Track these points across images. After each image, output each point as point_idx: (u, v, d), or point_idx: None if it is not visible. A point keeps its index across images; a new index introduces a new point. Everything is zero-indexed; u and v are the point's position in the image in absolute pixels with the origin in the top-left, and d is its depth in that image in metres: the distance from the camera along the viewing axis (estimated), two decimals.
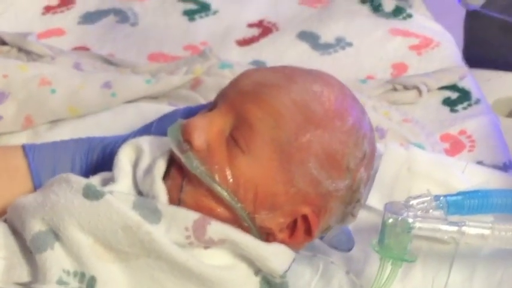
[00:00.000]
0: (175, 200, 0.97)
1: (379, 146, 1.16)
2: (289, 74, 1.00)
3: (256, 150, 0.96)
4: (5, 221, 1.01)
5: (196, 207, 0.96)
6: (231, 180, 0.96)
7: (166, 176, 0.99)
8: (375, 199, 1.17)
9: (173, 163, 0.99)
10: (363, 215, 1.07)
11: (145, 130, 1.12)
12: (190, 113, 1.10)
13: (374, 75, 1.58)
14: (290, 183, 0.96)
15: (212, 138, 0.97)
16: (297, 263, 1.05)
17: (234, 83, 1.01)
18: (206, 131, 0.97)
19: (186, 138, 0.97)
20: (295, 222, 0.99)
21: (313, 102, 0.98)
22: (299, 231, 0.99)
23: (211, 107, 1.01)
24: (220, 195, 0.95)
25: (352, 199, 1.01)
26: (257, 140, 0.96)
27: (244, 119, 0.97)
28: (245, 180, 0.96)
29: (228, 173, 0.96)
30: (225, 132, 0.98)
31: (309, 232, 0.99)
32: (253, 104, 0.97)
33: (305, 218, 0.98)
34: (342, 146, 0.97)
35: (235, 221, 0.96)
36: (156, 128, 1.12)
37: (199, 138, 0.96)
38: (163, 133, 1.06)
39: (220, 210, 0.96)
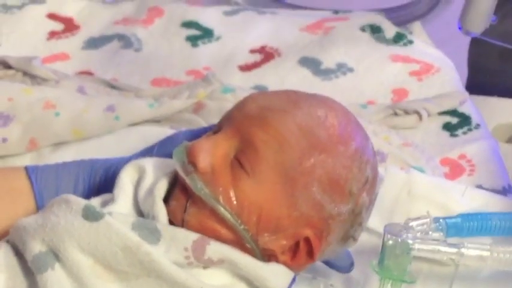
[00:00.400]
0: (179, 220, 0.97)
1: (380, 169, 1.17)
2: (294, 98, 1.01)
3: (260, 173, 0.97)
4: (8, 241, 1.01)
5: (200, 228, 0.96)
6: (235, 202, 0.96)
7: (170, 197, 0.99)
8: (375, 221, 1.16)
9: (177, 184, 0.99)
10: (363, 238, 1.07)
11: (147, 152, 1.13)
12: (192, 135, 1.11)
13: (375, 100, 1.59)
14: (293, 206, 0.97)
15: (217, 160, 0.98)
16: (297, 284, 1.06)
17: (240, 107, 1.02)
18: (211, 153, 0.98)
19: (191, 160, 0.97)
20: (297, 244, 0.99)
21: (317, 128, 0.99)
22: (301, 253, 0.99)
23: (216, 129, 1.02)
24: (224, 217, 0.96)
25: (354, 223, 1.01)
26: (261, 163, 0.97)
27: (249, 143, 0.98)
28: (249, 203, 0.96)
29: (232, 195, 0.96)
30: (229, 155, 0.98)
31: (310, 254, 1.00)
32: (259, 128, 0.98)
33: (307, 240, 0.99)
34: (345, 171, 0.98)
35: (238, 242, 0.97)
36: (158, 150, 1.13)
37: (204, 161, 0.97)
38: (165, 155, 1.08)
39: (223, 231, 0.96)
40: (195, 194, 0.96)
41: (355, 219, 1.01)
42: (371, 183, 1.02)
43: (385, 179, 1.25)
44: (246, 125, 0.99)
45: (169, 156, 1.02)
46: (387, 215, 1.20)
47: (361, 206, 1.01)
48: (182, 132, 1.16)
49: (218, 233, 0.96)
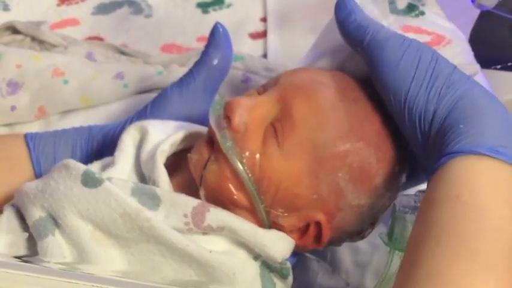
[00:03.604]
0: (199, 176, 0.96)
1: None
2: (352, 83, 0.99)
3: (290, 147, 0.95)
4: (13, 205, 1.01)
5: (216, 187, 0.95)
6: (258, 169, 0.94)
7: (192, 150, 0.98)
8: None
9: (203, 138, 0.98)
10: None
11: (141, 115, 1.13)
12: (180, 88, 1.12)
13: None
14: (314, 188, 0.95)
15: (252, 121, 0.95)
16: (304, 253, 1.05)
17: (290, 74, 1.00)
18: (249, 112, 0.96)
19: (227, 115, 0.95)
20: (307, 226, 0.98)
21: (364, 116, 0.96)
22: (309, 236, 0.98)
23: (260, 90, 1.00)
24: (243, 181, 0.94)
25: (369, 220, 1.00)
26: (294, 137, 0.95)
27: (289, 113, 0.95)
28: (271, 173, 0.94)
29: (257, 161, 0.94)
30: (266, 120, 0.96)
31: (318, 240, 0.98)
32: (302, 100, 0.96)
33: (318, 225, 0.97)
34: (378, 165, 0.96)
35: (250, 210, 0.96)
36: (151, 110, 1.13)
37: (240, 118, 0.95)
38: (158, 114, 1.09)
39: (239, 196, 0.95)
40: (220, 152, 0.95)
41: (371, 217, 0.99)
42: (397, 184, 1.00)
43: None
44: (291, 94, 0.96)
45: (164, 113, 1.03)
46: None
47: (382, 205, 0.99)
48: (169, 89, 1.15)
49: (233, 196, 0.95)
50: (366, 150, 0.95)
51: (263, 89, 1.00)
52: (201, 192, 0.96)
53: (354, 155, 0.95)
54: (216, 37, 1.13)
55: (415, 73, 0.93)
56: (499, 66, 1.75)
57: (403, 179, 1.01)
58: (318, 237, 0.98)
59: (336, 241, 1.02)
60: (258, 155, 0.94)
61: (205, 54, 1.13)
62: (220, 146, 0.94)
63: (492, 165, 0.84)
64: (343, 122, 0.95)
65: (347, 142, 0.95)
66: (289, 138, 0.95)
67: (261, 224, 0.97)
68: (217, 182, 0.95)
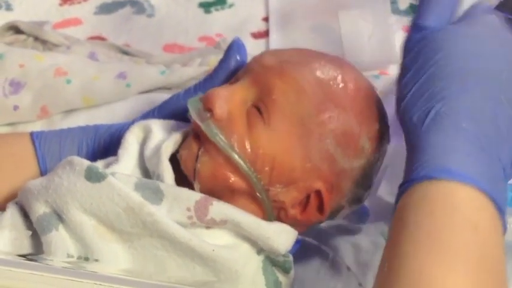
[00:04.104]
0: (191, 170, 0.97)
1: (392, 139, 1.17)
2: (311, 54, 1.03)
3: (276, 123, 0.97)
4: (17, 203, 1.02)
5: (211, 177, 0.96)
6: (249, 150, 0.96)
7: (181, 147, 0.99)
8: (386, 191, 1.17)
9: (189, 134, 0.99)
10: (373, 206, 1.07)
11: (148, 116, 1.13)
12: (190, 96, 1.10)
13: (387, 71, 1.58)
14: (307, 158, 0.97)
15: (234, 107, 0.98)
16: (306, 249, 1.06)
17: (258, 60, 1.03)
18: (228, 100, 0.98)
19: (207, 107, 0.97)
20: (308, 198, 1.00)
21: (334, 82, 1.00)
22: (311, 207, 1.00)
23: (233, 81, 1.03)
24: (238, 164, 0.95)
25: (364, 182, 1.02)
26: (278, 113, 0.97)
27: (267, 92, 0.98)
28: (263, 151, 0.96)
29: (247, 143, 0.96)
30: (246, 103, 0.99)
31: (320, 209, 1.00)
32: (278, 78, 0.98)
33: (318, 194, 0.99)
34: (359, 126, 0.99)
35: (249, 193, 0.97)
36: (158, 113, 1.13)
37: (221, 107, 0.97)
38: (165, 117, 1.09)
39: (235, 180, 0.96)
40: (209, 142, 0.96)
41: (365, 178, 1.02)
42: (382, 143, 1.03)
43: (397, 148, 1.25)
44: (264, 76, 0.99)
45: (171, 117, 1.03)
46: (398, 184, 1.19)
47: (373, 164, 1.02)
48: (178, 94, 1.15)
49: (230, 181, 0.96)
50: (345, 115, 0.99)
51: (235, 79, 1.03)
52: (196, 186, 0.98)
53: (335, 121, 0.98)
54: (231, 54, 1.12)
55: (413, 86, 0.93)
56: None
57: (389, 138, 1.05)
58: (320, 208, 1.00)
59: (337, 210, 1.04)
60: (246, 137, 0.97)
61: (218, 71, 1.13)
62: (207, 136, 0.96)
63: (448, 188, 0.85)
64: (317, 92, 0.98)
65: (326, 110, 0.98)
66: (275, 115, 0.97)
67: (262, 206, 0.98)
68: (212, 171, 0.96)
